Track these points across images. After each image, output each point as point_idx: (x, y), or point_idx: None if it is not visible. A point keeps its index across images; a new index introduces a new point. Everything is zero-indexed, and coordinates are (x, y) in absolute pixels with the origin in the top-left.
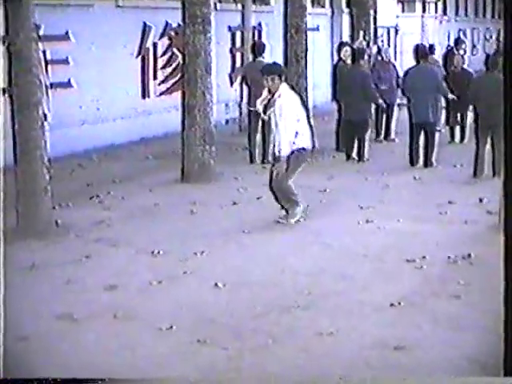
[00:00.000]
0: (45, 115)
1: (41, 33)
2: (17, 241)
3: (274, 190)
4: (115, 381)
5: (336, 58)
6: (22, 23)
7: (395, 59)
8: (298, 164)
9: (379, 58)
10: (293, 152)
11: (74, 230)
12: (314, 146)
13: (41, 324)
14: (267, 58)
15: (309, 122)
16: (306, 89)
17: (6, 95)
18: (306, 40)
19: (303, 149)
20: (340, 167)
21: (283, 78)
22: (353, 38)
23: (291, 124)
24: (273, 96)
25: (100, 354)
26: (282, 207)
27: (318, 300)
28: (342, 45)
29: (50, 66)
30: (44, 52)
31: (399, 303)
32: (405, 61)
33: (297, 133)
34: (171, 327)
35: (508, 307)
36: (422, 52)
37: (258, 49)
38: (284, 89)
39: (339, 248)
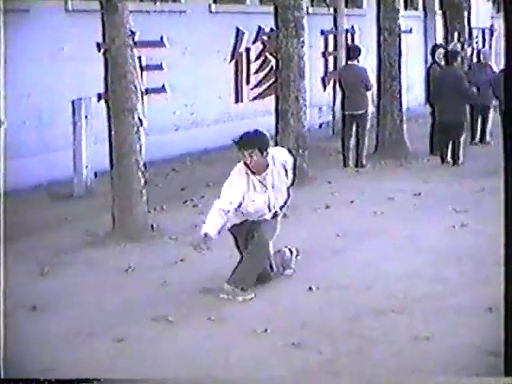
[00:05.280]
0: (140, 120)
1: (136, 39)
2: (113, 244)
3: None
4: (113, 381)
5: (429, 60)
6: (117, 30)
7: (490, 60)
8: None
9: (476, 60)
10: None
11: (169, 234)
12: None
13: (137, 326)
14: (361, 61)
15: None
16: (400, 92)
17: (102, 101)
18: (400, 43)
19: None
20: (434, 171)
21: (265, 153)
22: (446, 39)
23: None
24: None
25: (195, 356)
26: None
27: (412, 304)
28: (435, 47)
29: (145, 72)
30: (140, 58)
31: (496, 308)
32: (501, 62)
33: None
34: (266, 330)
35: (508, 307)
36: None
37: (352, 52)
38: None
39: (433, 251)
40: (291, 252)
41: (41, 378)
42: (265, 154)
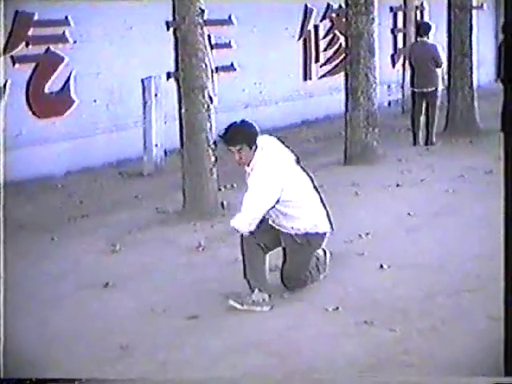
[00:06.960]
0: (211, 98)
1: (205, 17)
2: (183, 221)
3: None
4: (113, 381)
5: (500, 36)
6: (188, 8)
7: None
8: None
9: None
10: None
11: (238, 211)
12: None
13: (209, 302)
14: (431, 38)
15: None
16: (471, 69)
17: (172, 79)
18: (471, 19)
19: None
20: None
21: (254, 146)
22: None
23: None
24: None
25: (267, 333)
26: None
27: (486, 283)
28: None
29: (214, 50)
30: (209, 36)
31: None
32: None
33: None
34: (337, 308)
35: (508, 307)
36: None
37: (422, 29)
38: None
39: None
40: (325, 253)
41: (41, 378)
42: (253, 147)
